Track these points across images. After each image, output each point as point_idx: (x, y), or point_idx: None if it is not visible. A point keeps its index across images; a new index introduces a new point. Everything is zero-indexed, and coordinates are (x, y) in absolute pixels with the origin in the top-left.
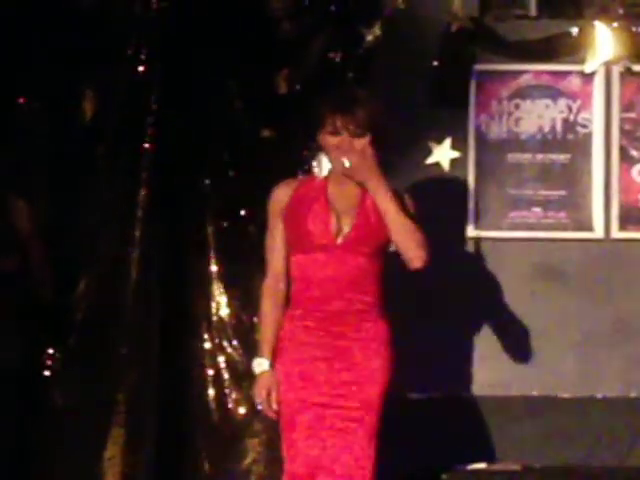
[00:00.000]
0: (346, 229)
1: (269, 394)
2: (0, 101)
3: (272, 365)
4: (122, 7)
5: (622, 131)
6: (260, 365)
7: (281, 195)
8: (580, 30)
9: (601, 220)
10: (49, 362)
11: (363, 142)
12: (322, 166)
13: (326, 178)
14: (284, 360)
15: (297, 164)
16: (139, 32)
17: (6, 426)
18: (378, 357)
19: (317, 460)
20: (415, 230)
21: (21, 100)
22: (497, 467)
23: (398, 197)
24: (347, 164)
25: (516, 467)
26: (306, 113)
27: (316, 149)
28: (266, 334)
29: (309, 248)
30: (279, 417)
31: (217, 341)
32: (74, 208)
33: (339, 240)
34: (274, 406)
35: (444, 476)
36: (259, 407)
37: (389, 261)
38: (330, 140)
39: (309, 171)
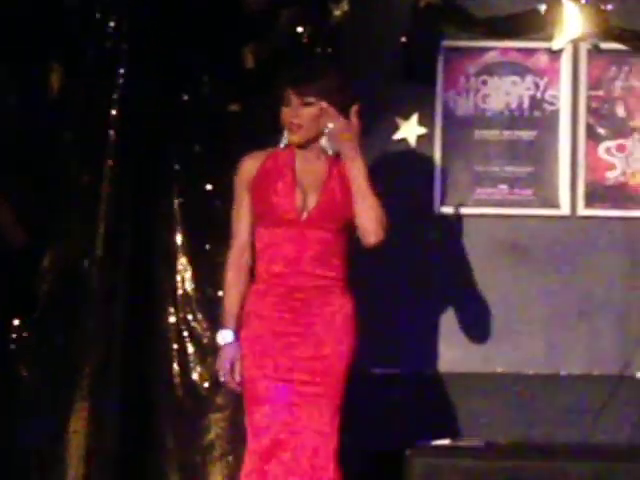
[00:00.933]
0: (311, 205)
1: (232, 366)
2: None
3: (237, 337)
4: None
5: (589, 109)
6: (224, 337)
7: (248, 166)
8: (548, 7)
9: (567, 197)
10: (14, 334)
11: (310, 111)
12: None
13: (293, 152)
14: (247, 335)
15: (264, 139)
16: (105, 4)
17: None
18: (342, 332)
19: (279, 436)
20: (378, 206)
21: None
22: (461, 443)
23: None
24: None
25: (480, 443)
26: (272, 87)
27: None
28: (230, 305)
29: (274, 222)
30: (242, 391)
31: (182, 315)
32: (39, 181)
33: (304, 215)
34: (237, 378)
35: (407, 452)
36: (222, 379)
37: (355, 237)
38: (283, 112)
39: (275, 146)
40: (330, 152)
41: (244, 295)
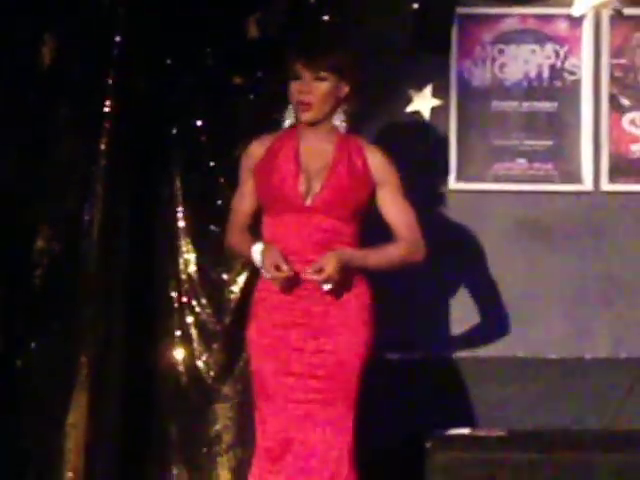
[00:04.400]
0: (316, 189)
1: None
2: None
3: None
4: None
5: (612, 78)
6: (257, 249)
7: (254, 151)
8: None
9: (590, 172)
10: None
11: (325, 86)
12: (288, 119)
13: (298, 134)
14: (255, 328)
15: (268, 113)
16: None
17: None
18: (358, 322)
19: (290, 433)
20: (403, 254)
21: None
22: (482, 433)
23: (382, 168)
24: (326, 288)
25: (501, 432)
26: (277, 59)
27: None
28: (245, 241)
29: (278, 209)
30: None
31: (185, 300)
32: (34, 161)
33: (308, 201)
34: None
35: (428, 444)
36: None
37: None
38: (293, 86)
39: (279, 122)
40: (343, 130)
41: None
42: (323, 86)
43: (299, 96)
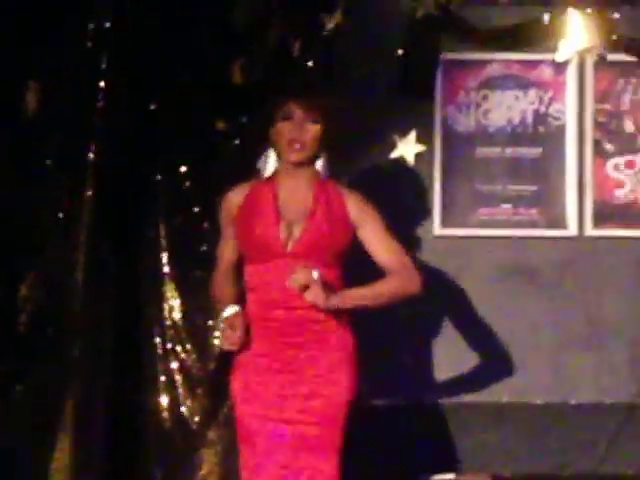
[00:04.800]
0: (296, 235)
1: (235, 330)
2: None
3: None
4: None
5: (596, 123)
6: (227, 311)
7: (232, 201)
8: (551, 16)
9: (575, 217)
10: None
11: (317, 128)
12: (268, 163)
13: (276, 180)
14: (240, 373)
15: (252, 159)
16: (87, 14)
17: None
18: (342, 369)
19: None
20: (396, 287)
21: None
22: (466, 478)
23: (364, 209)
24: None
25: (486, 478)
26: (262, 104)
27: (267, 145)
28: (224, 295)
29: (260, 257)
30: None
31: (170, 346)
32: (17, 206)
33: (289, 247)
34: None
35: None
36: (224, 346)
37: (349, 263)
38: (283, 126)
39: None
40: (325, 174)
41: (235, 293)
42: (316, 128)
43: (291, 135)
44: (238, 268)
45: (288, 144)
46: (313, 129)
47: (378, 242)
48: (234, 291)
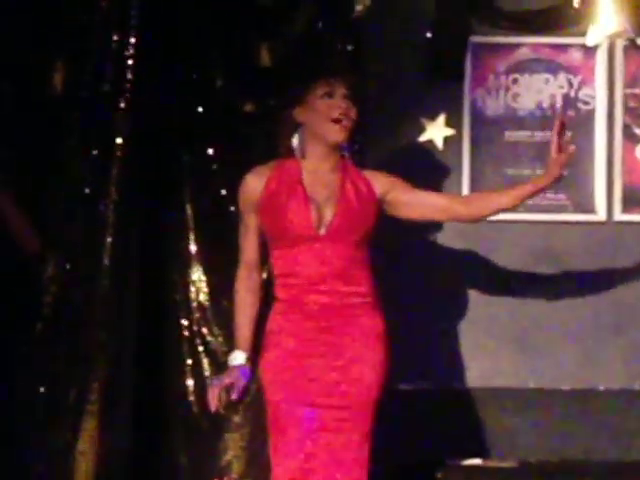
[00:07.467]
0: (328, 218)
1: (221, 390)
2: None
3: (247, 360)
4: None
5: (626, 108)
6: (234, 358)
7: (252, 187)
8: (582, 0)
9: (603, 202)
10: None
11: (355, 110)
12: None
13: (299, 162)
14: (269, 358)
15: (280, 141)
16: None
17: None
18: (373, 353)
19: (306, 464)
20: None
21: None
22: (493, 463)
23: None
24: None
25: (513, 463)
26: (290, 87)
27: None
28: (240, 327)
29: (291, 242)
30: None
31: (196, 328)
32: (42, 187)
33: (322, 231)
34: (215, 405)
35: (439, 474)
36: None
37: (375, 247)
38: (323, 104)
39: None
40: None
41: (254, 317)
42: (355, 109)
43: (336, 113)
44: (261, 264)
45: (334, 122)
46: (354, 109)
47: (415, 193)
48: (251, 319)
